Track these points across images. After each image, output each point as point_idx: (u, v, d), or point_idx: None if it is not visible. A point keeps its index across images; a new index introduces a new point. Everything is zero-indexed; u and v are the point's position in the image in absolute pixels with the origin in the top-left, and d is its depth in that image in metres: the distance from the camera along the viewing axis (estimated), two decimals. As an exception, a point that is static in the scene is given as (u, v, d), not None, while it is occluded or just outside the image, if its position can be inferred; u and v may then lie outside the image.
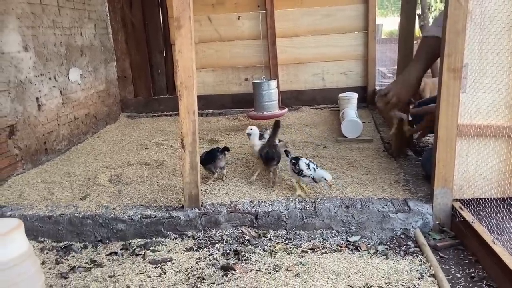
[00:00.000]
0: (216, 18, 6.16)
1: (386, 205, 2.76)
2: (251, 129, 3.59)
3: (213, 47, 6.25)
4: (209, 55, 6.29)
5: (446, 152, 2.62)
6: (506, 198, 2.67)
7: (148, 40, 6.29)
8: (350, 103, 5.21)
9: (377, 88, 6.17)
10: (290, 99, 6.34)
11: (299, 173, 2.97)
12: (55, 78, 4.64)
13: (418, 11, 6.73)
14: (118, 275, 2.44)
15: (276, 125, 3.39)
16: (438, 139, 2.61)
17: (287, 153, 3.29)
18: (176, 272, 2.43)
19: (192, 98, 2.70)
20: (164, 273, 2.43)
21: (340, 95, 5.36)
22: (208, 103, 6.39)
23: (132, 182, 3.61)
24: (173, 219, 2.84)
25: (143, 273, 2.43)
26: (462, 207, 2.65)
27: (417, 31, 8.10)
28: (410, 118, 3.93)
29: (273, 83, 5.25)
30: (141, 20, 6.22)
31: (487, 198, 2.69)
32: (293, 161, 3.05)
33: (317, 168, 2.98)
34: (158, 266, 2.49)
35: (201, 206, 2.90)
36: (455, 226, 2.67)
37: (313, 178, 2.94)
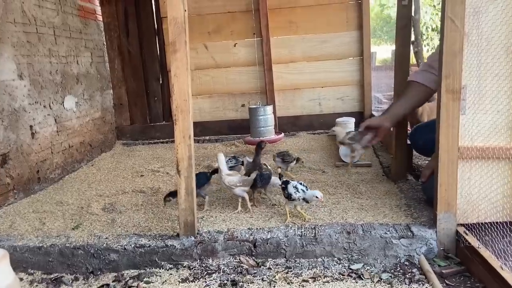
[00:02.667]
0: (212, 46, 6.21)
1: (389, 231, 2.67)
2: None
3: (210, 73, 6.27)
4: (205, 82, 6.30)
5: (448, 175, 2.56)
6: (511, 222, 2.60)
7: (145, 68, 6.31)
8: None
9: (374, 113, 6.16)
10: (287, 125, 6.31)
11: (288, 197, 2.92)
12: (49, 106, 4.60)
13: (412, 38, 6.83)
14: (110, 309, 2.31)
15: (259, 146, 3.37)
16: (440, 162, 2.55)
17: (280, 176, 3.24)
18: (171, 304, 2.31)
19: (188, 122, 2.65)
20: (158, 306, 2.31)
21: (337, 120, 5.33)
22: (205, 130, 6.35)
23: (126, 210, 3.52)
24: (168, 248, 2.74)
25: (135, 307, 2.31)
26: (467, 231, 2.56)
27: (412, 57, 8.22)
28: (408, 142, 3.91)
29: (269, 109, 5.24)
30: (138, 48, 6.25)
31: (492, 222, 2.62)
32: (283, 185, 3.00)
33: (306, 189, 2.92)
34: (152, 299, 2.37)
35: (197, 234, 2.80)
36: (460, 252, 2.58)
37: (304, 199, 2.89)
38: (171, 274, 2.64)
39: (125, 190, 4.11)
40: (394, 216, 2.97)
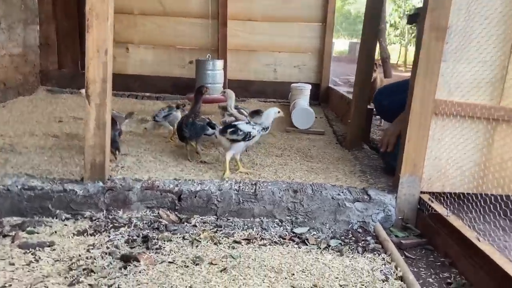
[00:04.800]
0: (161, -10, 5.49)
1: (342, 192, 2.23)
2: None
3: (156, 21, 5.55)
4: (150, 30, 5.57)
5: (419, 131, 2.15)
6: (479, 194, 2.25)
7: (80, 4, 5.44)
8: (303, 95, 4.73)
9: (332, 86, 5.78)
10: (238, 89, 5.67)
11: (246, 137, 2.46)
12: (-51, 23, 3.73)
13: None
14: (-33, 262, 1.69)
15: (198, 91, 2.86)
16: (411, 115, 2.14)
17: (212, 126, 2.73)
18: (55, 261, 1.72)
19: (105, 32, 2.04)
20: (37, 261, 1.71)
21: (293, 85, 4.86)
22: (145, 85, 5.65)
23: (27, 152, 2.83)
24: (67, 193, 2.12)
25: (3, 259, 1.70)
26: (432, 199, 2.19)
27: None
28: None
29: (219, 63, 4.68)
30: (74, -20, 5.40)
31: (457, 193, 2.27)
32: (231, 129, 2.49)
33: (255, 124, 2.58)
34: (30, 252, 1.77)
35: (108, 179, 2.21)
36: (421, 223, 2.20)
37: (264, 129, 2.58)
38: (65, 225, 2.04)
39: (34, 133, 3.39)
40: (348, 180, 2.55)
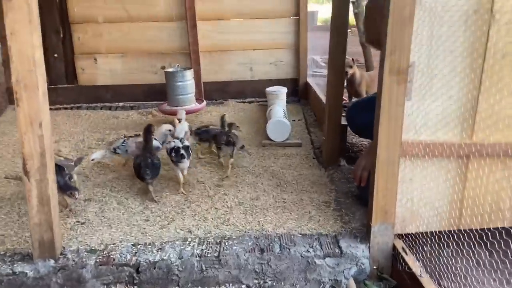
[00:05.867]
0: (124, -6, 5.17)
1: (312, 247, 2.11)
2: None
3: (122, 28, 5.26)
4: (116, 39, 5.28)
5: (387, 178, 2.01)
6: (455, 230, 2.14)
7: (41, 18, 5.10)
8: (279, 99, 4.55)
9: (309, 80, 5.57)
10: (215, 92, 5.55)
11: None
12: None
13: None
14: None
15: (147, 131, 2.85)
16: (378, 163, 1.99)
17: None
18: None
19: (37, 104, 1.85)
20: None
21: (268, 89, 4.67)
22: (117, 95, 5.43)
23: (-21, 208, 2.68)
24: (16, 276, 1.99)
25: None
26: (406, 249, 2.07)
27: (351, 19, 7.61)
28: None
29: (189, 74, 4.45)
30: (30, -8, 5.06)
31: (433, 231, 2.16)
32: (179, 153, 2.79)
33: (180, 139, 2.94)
34: None
35: (61, 254, 2.08)
36: (396, 272, 2.09)
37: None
38: (17, 315, 1.92)
39: (-6, 175, 3.22)
40: (320, 219, 2.43)
